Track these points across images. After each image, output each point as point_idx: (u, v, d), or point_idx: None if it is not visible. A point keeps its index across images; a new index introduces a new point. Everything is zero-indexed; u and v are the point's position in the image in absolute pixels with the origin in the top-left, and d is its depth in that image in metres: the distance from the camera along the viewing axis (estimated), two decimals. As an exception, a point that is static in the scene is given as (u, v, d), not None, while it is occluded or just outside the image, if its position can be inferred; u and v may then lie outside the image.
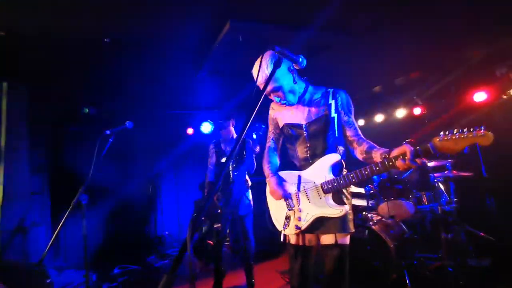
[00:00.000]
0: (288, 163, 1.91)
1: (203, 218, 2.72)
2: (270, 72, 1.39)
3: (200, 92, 4.68)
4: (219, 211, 2.82)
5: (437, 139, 1.35)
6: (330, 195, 1.65)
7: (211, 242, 2.86)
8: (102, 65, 3.20)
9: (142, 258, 4.67)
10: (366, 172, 1.52)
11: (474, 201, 3.63)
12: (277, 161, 1.93)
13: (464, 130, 1.34)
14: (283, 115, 1.84)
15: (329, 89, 1.75)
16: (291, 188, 1.77)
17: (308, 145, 1.74)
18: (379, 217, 3.38)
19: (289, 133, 1.81)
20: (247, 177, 3.16)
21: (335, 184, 1.61)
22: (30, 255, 3.25)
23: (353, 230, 1.68)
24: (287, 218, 1.76)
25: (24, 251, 3.21)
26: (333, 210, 1.63)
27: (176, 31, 2.60)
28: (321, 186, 1.65)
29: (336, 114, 1.70)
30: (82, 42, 2.54)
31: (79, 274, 3.78)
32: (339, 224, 1.63)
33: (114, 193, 5.10)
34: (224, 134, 3.12)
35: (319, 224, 1.66)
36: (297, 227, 1.70)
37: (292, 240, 1.78)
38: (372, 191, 3.64)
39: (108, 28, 2.31)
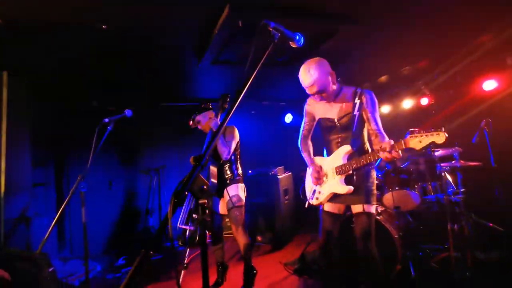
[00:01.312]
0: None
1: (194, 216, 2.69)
2: (316, 77, 2.00)
3: (205, 83, 4.63)
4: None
5: (408, 137, 1.79)
6: (342, 177, 2.17)
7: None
8: (106, 56, 3.17)
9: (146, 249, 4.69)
10: (362, 160, 2.04)
11: (482, 191, 3.53)
12: (311, 148, 2.46)
13: (427, 130, 1.75)
14: (318, 110, 2.31)
15: (357, 89, 2.16)
16: (319, 169, 2.29)
17: (337, 136, 2.22)
18: (384, 208, 3.31)
19: (325, 125, 2.28)
20: (236, 169, 3.10)
21: (343, 168, 2.15)
22: (33, 246, 3.28)
23: (375, 202, 2.17)
24: (313, 192, 2.34)
25: (28, 242, 3.24)
26: (341, 188, 2.15)
27: (175, 18, 2.56)
28: (335, 169, 2.18)
29: (358, 112, 2.10)
30: (81, 30, 2.51)
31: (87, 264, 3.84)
32: (364, 197, 2.12)
33: (120, 183, 5.14)
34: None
35: (349, 198, 2.15)
36: (317, 199, 2.30)
37: (327, 208, 2.31)
38: (377, 182, 3.57)
39: (107, 15, 2.27)
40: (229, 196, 2.97)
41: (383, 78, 4.96)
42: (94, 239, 4.52)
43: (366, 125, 2.19)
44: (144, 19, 2.43)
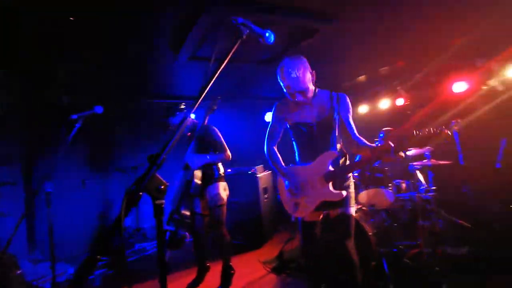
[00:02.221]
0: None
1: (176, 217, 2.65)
2: (300, 74, 1.93)
3: (184, 80, 4.55)
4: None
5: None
6: (330, 183, 2.03)
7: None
8: (76, 49, 3.02)
9: (120, 251, 4.56)
10: (361, 164, 2.14)
11: (451, 189, 3.68)
12: (278, 155, 2.28)
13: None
14: (293, 115, 2.16)
15: (333, 93, 2.12)
16: (299, 180, 2.12)
17: (316, 141, 2.10)
18: (359, 206, 3.38)
19: (301, 130, 2.14)
20: (217, 168, 3.08)
21: (333, 175, 2.02)
22: (-1, 248, 3.10)
23: (355, 204, 2.16)
24: (296, 204, 2.14)
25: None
26: (333, 196, 2.02)
27: (154, 15, 2.48)
28: (323, 177, 2.03)
29: (338, 116, 2.07)
30: (50, 22, 2.38)
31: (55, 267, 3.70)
32: (343, 201, 2.05)
33: (93, 183, 4.96)
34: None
35: (327, 204, 2.06)
36: (305, 210, 2.11)
37: (307, 218, 2.20)
38: (353, 180, 3.64)
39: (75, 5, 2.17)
40: (211, 195, 2.96)
41: (362, 78, 5.06)
42: (67, 240, 4.35)
43: (342, 128, 2.14)
44: (118, 11, 2.33)
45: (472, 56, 3.94)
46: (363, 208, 3.34)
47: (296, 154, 2.26)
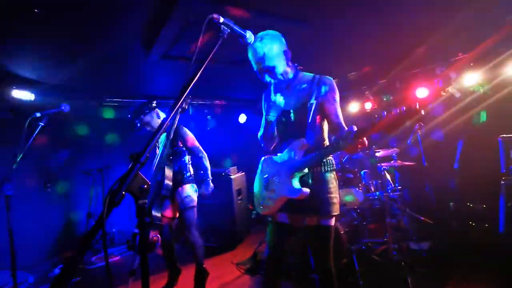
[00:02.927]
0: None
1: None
2: (267, 49, 1.67)
3: (154, 79, 4.41)
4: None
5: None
6: (296, 178, 1.72)
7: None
8: (37, 41, 2.82)
9: (86, 257, 4.33)
10: (319, 155, 1.64)
11: (415, 188, 3.93)
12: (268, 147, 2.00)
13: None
14: (271, 102, 1.89)
15: (316, 76, 1.81)
16: (269, 172, 1.87)
17: (292, 130, 1.82)
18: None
19: (278, 118, 1.87)
20: (188, 170, 3.04)
21: (297, 166, 1.70)
22: None
23: (336, 213, 1.74)
24: (263, 198, 1.88)
25: None
26: (293, 192, 1.68)
27: (123, 10, 2.38)
28: (289, 169, 1.73)
29: (315, 101, 1.75)
30: (16, 14, 2.20)
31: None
32: (321, 207, 1.70)
33: (58, 185, 4.66)
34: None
35: (303, 207, 1.72)
36: (267, 207, 1.83)
37: (276, 218, 1.87)
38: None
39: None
40: (181, 198, 2.90)
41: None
42: (28, 247, 4.04)
43: (325, 118, 1.82)
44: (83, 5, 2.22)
45: (433, 64, 4.23)
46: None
47: (277, 147, 1.99)
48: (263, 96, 2.03)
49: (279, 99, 1.89)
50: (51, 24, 2.43)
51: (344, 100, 5.60)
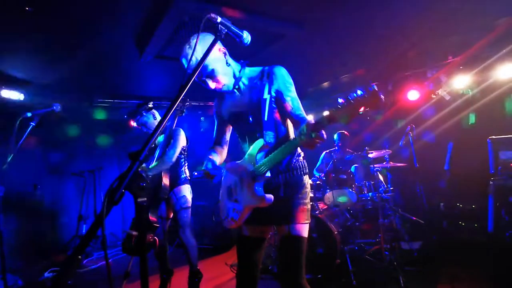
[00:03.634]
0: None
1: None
2: (202, 55, 1.23)
3: (147, 80, 4.38)
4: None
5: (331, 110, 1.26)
6: (260, 183, 1.51)
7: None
8: (27, 40, 2.77)
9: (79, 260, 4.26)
10: (278, 154, 1.41)
11: (407, 189, 3.99)
12: (219, 157, 1.79)
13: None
14: (226, 105, 1.72)
15: (265, 68, 1.62)
16: (232, 180, 1.64)
17: (251, 132, 1.63)
18: (325, 206, 3.51)
19: (236, 123, 1.72)
20: (183, 171, 3.04)
21: (258, 170, 1.49)
22: None
23: (307, 221, 1.56)
24: (228, 210, 1.66)
25: None
26: (257, 199, 1.48)
27: (116, 8, 2.36)
28: (250, 174, 1.53)
29: (268, 96, 1.56)
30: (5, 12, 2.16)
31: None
32: (291, 214, 1.53)
33: (48, 187, 4.58)
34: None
35: (271, 216, 1.56)
36: (233, 219, 1.61)
37: (246, 231, 1.67)
38: (319, 182, 3.78)
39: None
40: (176, 198, 2.91)
41: (325, 84, 5.28)
42: (17, 250, 3.97)
43: (284, 113, 1.61)
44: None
45: (424, 67, 4.31)
46: (329, 208, 3.48)
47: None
48: (214, 103, 1.83)
49: (234, 101, 1.68)
50: (42, 23, 2.39)
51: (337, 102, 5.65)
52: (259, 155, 1.55)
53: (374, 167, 3.52)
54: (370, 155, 3.51)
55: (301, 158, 1.65)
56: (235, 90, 1.64)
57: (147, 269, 0.71)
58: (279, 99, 1.57)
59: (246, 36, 1.27)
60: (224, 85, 1.58)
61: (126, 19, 2.51)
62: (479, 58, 3.76)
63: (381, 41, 3.52)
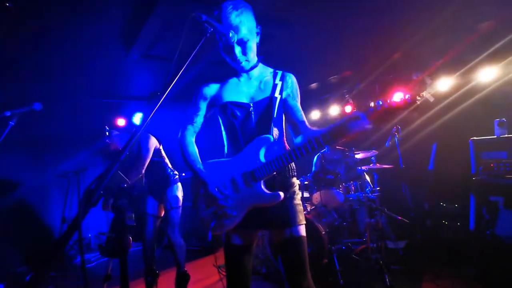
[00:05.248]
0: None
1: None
2: (244, 20, 1.36)
3: (132, 79, 4.31)
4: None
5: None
6: (262, 182, 1.45)
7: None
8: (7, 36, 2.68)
9: (62, 263, 4.14)
10: (297, 152, 1.37)
11: (393, 189, 4.06)
12: (196, 148, 1.67)
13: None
14: (226, 90, 1.61)
15: (277, 71, 1.63)
16: (220, 180, 1.53)
17: (251, 126, 1.54)
18: (313, 206, 3.53)
19: (233, 112, 1.56)
20: (172, 170, 3.06)
21: (267, 169, 1.42)
22: None
23: (304, 222, 1.53)
24: (215, 214, 1.52)
25: None
26: (265, 198, 1.43)
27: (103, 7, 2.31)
28: (253, 173, 1.45)
29: (279, 96, 1.55)
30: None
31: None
32: (290, 217, 1.49)
33: (29, 189, 4.43)
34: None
35: (267, 220, 1.50)
36: (227, 224, 1.48)
37: (233, 239, 1.56)
38: (306, 182, 3.81)
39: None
40: (169, 197, 2.92)
41: (314, 85, 5.32)
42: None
43: (290, 116, 1.62)
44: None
45: (409, 69, 4.39)
46: (316, 208, 3.50)
47: (225, 148, 1.67)
48: (205, 87, 1.67)
49: (237, 90, 1.61)
50: (24, 19, 2.31)
51: (325, 103, 5.70)
52: (263, 153, 1.48)
53: (361, 168, 3.57)
54: (357, 156, 3.55)
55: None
56: (248, 73, 1.60)
57: (127, 270, 0.69)
58: (289, 102, 1.59)
59: (233, 36, 1.26)
60: (246, 61, 1.53)
61: (113, 18, 2.46)
62: (461, 61, 3.86)
63: (368, 44, 3.58)
